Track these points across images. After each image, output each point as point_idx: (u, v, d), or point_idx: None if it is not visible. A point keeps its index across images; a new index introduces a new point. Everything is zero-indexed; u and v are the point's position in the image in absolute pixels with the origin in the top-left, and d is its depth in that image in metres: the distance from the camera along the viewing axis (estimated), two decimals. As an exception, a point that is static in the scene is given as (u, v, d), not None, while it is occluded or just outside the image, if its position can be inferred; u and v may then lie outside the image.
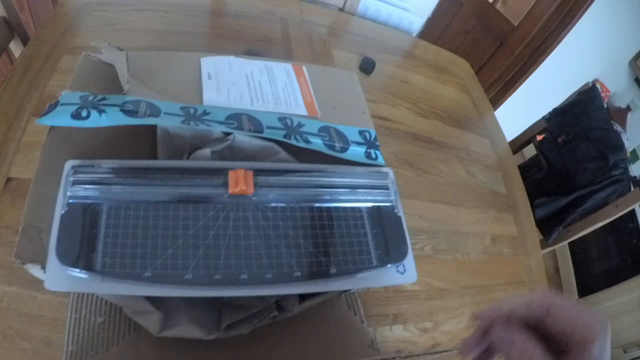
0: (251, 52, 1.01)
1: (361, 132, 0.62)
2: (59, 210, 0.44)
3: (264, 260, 0.46)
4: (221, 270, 0.45)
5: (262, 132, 0.54)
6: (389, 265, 0.51)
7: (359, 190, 0.54)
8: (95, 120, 0.49)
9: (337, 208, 0.52)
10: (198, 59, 0.63)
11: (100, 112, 0.50)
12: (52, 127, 0.51)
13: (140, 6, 1.04)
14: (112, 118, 0.49)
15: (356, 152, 0.59)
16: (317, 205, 0.51)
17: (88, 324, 0.55)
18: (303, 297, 0.56)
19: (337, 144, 0.58)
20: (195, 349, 0.54)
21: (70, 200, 0.44)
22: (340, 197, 0.53)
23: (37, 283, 0.57)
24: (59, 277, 0.41)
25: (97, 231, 0.44)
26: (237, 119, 0.55)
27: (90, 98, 0.52)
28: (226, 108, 0.57)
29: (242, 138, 0.54)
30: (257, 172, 0.50)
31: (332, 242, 0.49)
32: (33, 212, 0.46)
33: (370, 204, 0.53)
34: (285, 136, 0.55)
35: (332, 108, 0.65)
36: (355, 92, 0.70)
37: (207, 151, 0.52)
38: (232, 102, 0.58)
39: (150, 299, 0.51)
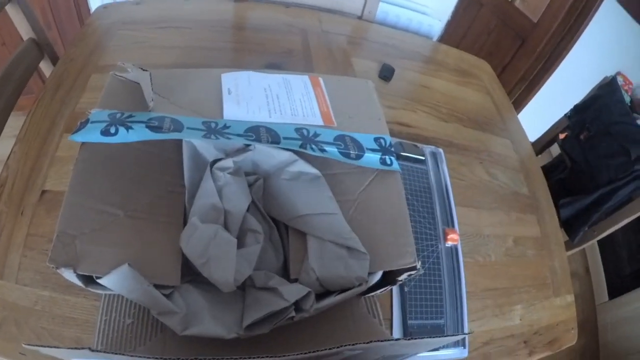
0: (273, 65, 1.04)
1: (376, 139, 0.64)
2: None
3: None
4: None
5: (279, 142, 0.57)
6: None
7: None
8: (123, 136, 0.52)
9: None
10: (219, 75, 0.66)
11: (128, 128, 0.53)
12: (83, 143, 0.54)
13: (165, 24, 1.07)
14: (139, 134, 0.52)
15: (371, 159, 0.61)
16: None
17: (117, 325, 0.59)
18: (319, 298, 0.57)
19: (352, 152, 0.60)
20: (216, 349, 0.55)
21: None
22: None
23: (71, 287, 0.61)
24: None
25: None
26: (255, 131, 0.58)
27: (118, 115, 0.55)
28: (245, 121, 0.59)
29: (262, 148, 0.56)
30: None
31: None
32: (67, 220, 0.50)
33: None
34: (301, 146, 0.57)
35: (348, 117, 0.67)
36: (372, 100, 0.72)
37: (229, 161, 0.54)
38: (251, 115, 0.61)
39: (174, 300, 0.54)
